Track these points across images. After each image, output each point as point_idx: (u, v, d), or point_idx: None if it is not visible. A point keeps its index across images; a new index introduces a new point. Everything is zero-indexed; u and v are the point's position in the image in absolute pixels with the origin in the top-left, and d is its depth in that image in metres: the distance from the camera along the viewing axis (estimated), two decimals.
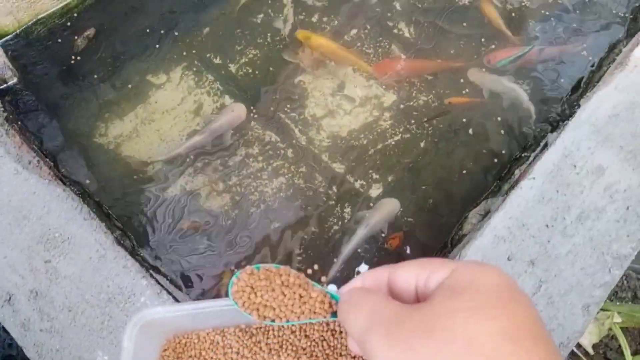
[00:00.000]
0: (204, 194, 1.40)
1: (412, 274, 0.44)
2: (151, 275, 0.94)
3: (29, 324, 0.88)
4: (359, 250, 1.30)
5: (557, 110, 1.45)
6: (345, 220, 1.36)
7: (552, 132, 1.32)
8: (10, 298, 0.90)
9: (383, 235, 1.32)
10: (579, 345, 1.24)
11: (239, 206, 1.37)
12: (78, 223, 0.94)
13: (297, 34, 1.59)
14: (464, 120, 1.49)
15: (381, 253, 1.30)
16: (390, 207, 1.34)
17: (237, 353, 0.82)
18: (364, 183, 1.42)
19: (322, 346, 0.83)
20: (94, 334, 0.88)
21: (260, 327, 0.84)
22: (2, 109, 1.13)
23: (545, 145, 1.27)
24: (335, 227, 1.35)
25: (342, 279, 1.26)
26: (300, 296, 0.63)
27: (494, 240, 0.99)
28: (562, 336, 0.94)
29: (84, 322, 0.88)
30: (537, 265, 0.98)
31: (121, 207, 1.33)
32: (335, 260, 1.29)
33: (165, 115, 1.52)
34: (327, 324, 0.85)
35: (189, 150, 1.41)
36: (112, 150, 1.46)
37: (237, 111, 1.46)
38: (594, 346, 1.24)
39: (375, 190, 1.41)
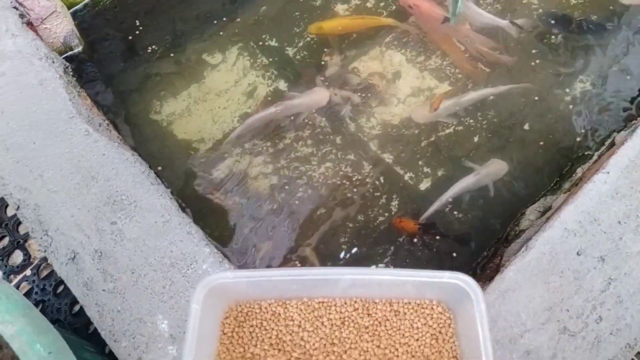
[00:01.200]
0: (253, 174, 1.40)
1: None
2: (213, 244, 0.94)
3: (91, 284, 0.89)
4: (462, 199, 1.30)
5: (626, 109, 1.40)
6: (392, 212, 1.34)
7: (619, 131, 1.28)
8: (75, 257, 0.91)
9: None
10: (637, 353, 1.19)
11: (286, 189, 1.36)
12: (145, 187, 0.95)
13: (310, 30, 1.57)
14: (520, 115, 1.45)
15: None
16: (500, 166, 1.34)
17: (299, 326, 0.81)
18: (413, 175, 1.39)
19: (385, 326, 0.82)
20: (156, 298, 0.88)
21: (323, 302, 0.83)
22: (71, 72, 1.14)
23: (612, 144, 1.23)
24: (381, 219, 1.33)
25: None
26: None
27: (563, 233, 0.96)
28: (629, 337, 0.91)
29: (146, 285, 0.88)
30: (607, 262, 0.94)
31: (173, 182, 1.34)
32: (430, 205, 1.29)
33: (218, 96, 1.52)
34: (390, 304, 0.83)
35: (260, 122, 1.40)
36: (165, 127, 1.47)
37: (320, 95, 1.43)
38: None
39: (424, 184, 1.38)
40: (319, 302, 0.83)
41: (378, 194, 1.37)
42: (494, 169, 1.33)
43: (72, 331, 1.33)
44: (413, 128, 1.46)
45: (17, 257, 1.39)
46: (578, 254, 0.95)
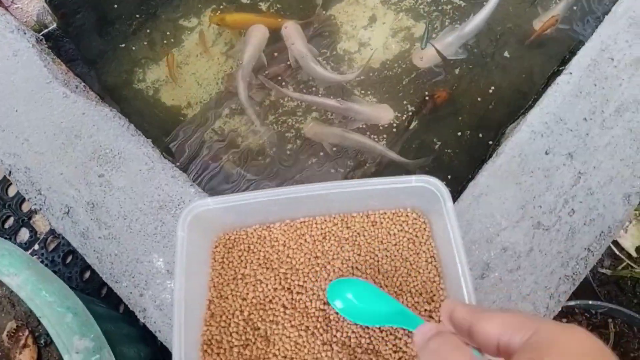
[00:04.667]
0: (243, 132, 1.43)
1: (494, 330, 0.45)
2: (198, 185, 0.98)
3: (87, 233, 0.94)
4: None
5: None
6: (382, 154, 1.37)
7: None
8: (69, 211, 0.96)
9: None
10: (621, 249, 1.24)
11: (276, 143, 1.40)
12: (126, 139, 0.99)
13: (211, 20, 1.55)
14: (499, 44, 1.46)
15: None
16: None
17: (284, 245, 0.86)
18: (400, 115, 1.42)
19: (364, 236, 0.87)
20: (149, 239, 0.93)
21: (304, 221, 0.88)
22: (44, 43, 1.17)
23: None
24: (371, 161, 1.36)
25: None
26: None
27: (530, 135, 0.99)
28: (603, 226, 0.95)
29: (138, 228, 0.93)
30: (575, 158, 0.98)
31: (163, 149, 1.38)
32: None
33: (199, 59, 1.55)
34: (367, 216, 0.88)
35: (315, 104, 1.43)
36: (152, 95, 1.50)
37: (384, 113, 1.40)
38: (637, 249, 1.24)
39: (412, 123, 1.41)
40: (301, 222, 0.88)
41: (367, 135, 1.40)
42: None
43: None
44: (395, 69, 1.48)
45: (24, 234, 1.45)
46: (546, 153, 0.98)
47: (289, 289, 0.83)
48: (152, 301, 0.89)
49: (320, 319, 0.80)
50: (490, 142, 1.33)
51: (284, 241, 0.86)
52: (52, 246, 1.43)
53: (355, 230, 0.87)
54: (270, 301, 0.82)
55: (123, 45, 1.55)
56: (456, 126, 1.39)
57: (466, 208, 0.95)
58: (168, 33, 1.57)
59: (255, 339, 0.79)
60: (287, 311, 0.81)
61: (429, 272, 0.83)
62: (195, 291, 0.78)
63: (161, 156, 0.99)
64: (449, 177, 1.30)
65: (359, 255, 0.85)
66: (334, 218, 0.88)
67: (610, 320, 1.13)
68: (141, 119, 1.42)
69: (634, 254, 1.22)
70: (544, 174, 0.96)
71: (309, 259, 0.85)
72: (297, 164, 1.38)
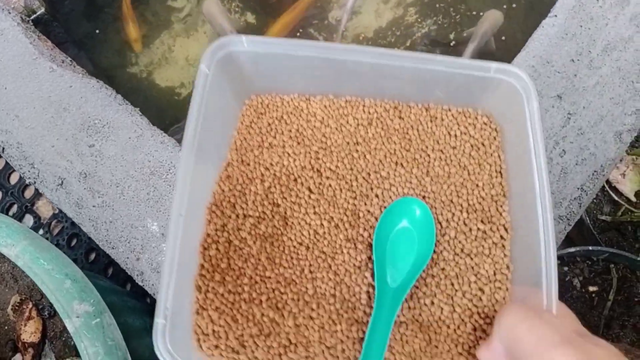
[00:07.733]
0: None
1: None
2: None
3: (82, 202, 0.95)
4: None
5: None
6: None
7: None
8: (62, 182, 0.97)
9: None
10: (620, 194, 1.23)
11: None
12: (114, 109, 0.99)
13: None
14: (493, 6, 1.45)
15: None
16: (495, 16, 1.30)
17: (321, 122, 0.76)
18: None
19: (418, 129, 0.76)
20: (142, 204, 0.93)
21: (350, 101, 0.77)
22: (29, 21, 1.18)
23: None
24: None
25: None
26: None
27: None
28: (596, 164, 0.94)
29: (131, 195, 0.94)
30: (564, 99, 0.97)
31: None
32: None
33: (191, 40, 1.55)
34: (427, 110, 0.77)
35: None
36: (146, 77, 1.51)
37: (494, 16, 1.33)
38: (637, 193, 1.23)
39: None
40: (346, 101, 0.77)
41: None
42: (487, 24, 1.28)
43: None
44: (389, 37, 1.48)
45: (28, 220, 1.47)
46: None
47: (318, 170, 0.73)
48: (149, 264, 0.90)
49: (348, 213, 0.70)
50: None
51: (323, 118, 0.75)
52: (56, 230, 1.45)
53: (409, 123, 0.75)
54: (295, 180, 0.72)
55: (113, 29, 1.55)
56: None
57: None
58: (157, 15, 1.57)
59: (273, 215, 0.70)
60: (313, 196, 0.71)
61: (491, 189, 0.70)
62: (209, 148, 0.66)
63: (149, 123, 0.99)
64: None
65: (407, 151, 0.74)
66: (386, 103, 0.76)
67: (612, 265, 1.13)
68: (137, 100, 1.43)
69: (633, 199, 1.21)
70: None
71: (348, 142, 0.74)
72: None
